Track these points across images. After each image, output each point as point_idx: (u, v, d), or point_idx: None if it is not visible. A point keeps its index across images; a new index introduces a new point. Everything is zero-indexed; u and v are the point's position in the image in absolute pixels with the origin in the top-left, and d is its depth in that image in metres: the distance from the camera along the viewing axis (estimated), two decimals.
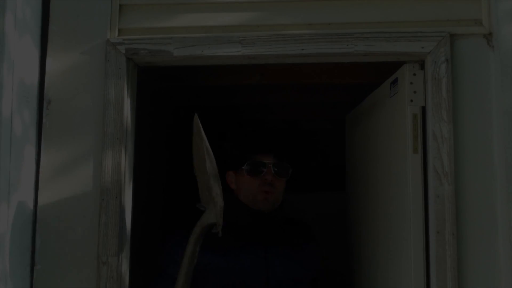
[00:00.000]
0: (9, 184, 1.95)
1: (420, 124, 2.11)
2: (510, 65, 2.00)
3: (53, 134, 2.09)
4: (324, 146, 4.29)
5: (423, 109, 2.11)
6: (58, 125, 2.09)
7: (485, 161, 2.03)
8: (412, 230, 2.08)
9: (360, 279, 2.62)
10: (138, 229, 2.27)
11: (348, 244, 2.85)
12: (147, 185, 2.85)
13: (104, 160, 2.04)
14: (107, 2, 2.13)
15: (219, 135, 2.44)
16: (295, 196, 3.87)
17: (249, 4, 2.14)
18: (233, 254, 2.23)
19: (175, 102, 3.52)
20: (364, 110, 2.69)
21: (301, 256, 2.34)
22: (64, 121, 2.09)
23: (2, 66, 1.93)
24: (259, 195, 2.27)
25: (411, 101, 2.11)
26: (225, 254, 2.22)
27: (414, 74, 2.12)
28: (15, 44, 2.00)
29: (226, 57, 2.11)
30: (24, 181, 2.02)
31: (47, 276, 2.02)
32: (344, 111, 3.02)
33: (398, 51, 2.08)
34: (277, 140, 2.36)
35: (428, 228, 2.04)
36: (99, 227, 2.02)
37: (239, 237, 2.26)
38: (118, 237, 2.02)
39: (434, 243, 2.00)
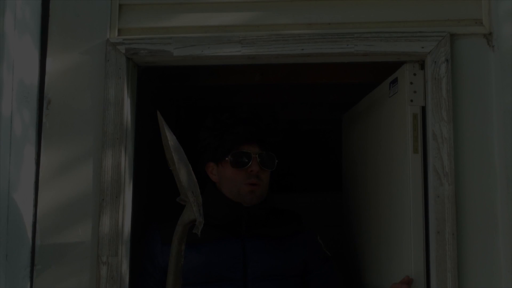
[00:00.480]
0: (9, 184, 1.95)
1: (420, 124, 2.11)
2: (510, 65, 2.00)
3: (53, 134, 2.08)
4: (324, 146, 4.29)
5: (423, 109, 2.11)
6: (58, 125, 2.09)
7: (485, 161, 2.03)
8: (412, 230, 2.08)
9: (360, 279, 2.62)
10: (138, 229, 2.27)
11: (346, 243, 2.84)
12: (147, 185, 2.85)
13: (104, 160, 2.04)
14: (107, 2, 2.13)
15: (198, 125, 2.32)
16: (294, 196, 3.89)
17: (249, 4, 2.14)
18: (208, 249, 2.15)
19: (175, 102, 3.52)
20: (361, 110, 2.69)
21: (287, 249, 2.24)
22: (64, 121, 2.09)
23: (2, 66, 1.93)
24: (245, 188, 2.17)
25: (411, 101, 2.11)
26: (200, 249, 2.14)
27: (414, 74, 2.12)
28: (15, 44, 2.00)
29: (226, 57, 2.11)
30: (24, 181, 2.02)
31: (47, 276, 2.02)
32: (343, 111, 3.02)
33: (398, 51, 2.08)
34: (261, 129, 2.23)
35: (428, 228, 2.04)
36: (99, 227, 2.02)
37: (217, 231, 2.18)
38: (118, 237, 2.01)
39: (434, 243, 2.00)
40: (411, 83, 2.12)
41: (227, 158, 2.20)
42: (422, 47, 2.06)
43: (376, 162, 2.45)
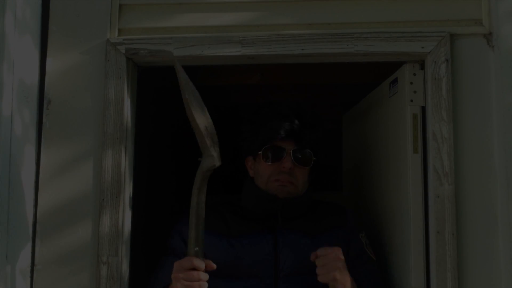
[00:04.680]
0: (9, 184, 1.95)
1: (420, 124, 2.11)
2: (510, 65, 2.00)
3: (53, 134, 2.09)
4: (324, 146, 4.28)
5: (423, 109, 2.11)
6: (58, 125, 2.09)
7: (485, 161, 2.03)
8: (412, 230, 2.08)
9: None
10: (138, 228, 2.27)
11: None
12: (147, 185, 2.85)
13: (104, 160, 2.04)
14: (107, 2, 2.13)
15: (238, 119, 2.32)
16: None
17: (249, 4, 2.14)
18: (240, 243, 2.09)
19: (175, 102, 3.52)
20: (362, 110, 2.69)
21: (323, 244, 2.05)
22: (64, 121, 2.09)
23: (2, 66, 1.93)
24: (273, 184, 2.12)
25: (411, 101, 2.12)
26: (233, 243, 2.09)
27: (414, 74, 2.12)
28: (15, 44, 2.00)
29: (226, 57, 2.11)
30: (24, 181, 2.02)
31: (47, 276, 2.02)
32: (343, 111, 3.02)
33: (398, 51, 2.08)
34: (298, 126, 2.15)
35: (428, 228, 2.04)
36: (99, 227, 2.02)
37: (251, 225, 2.12)
38: (118, 237, 2.02)
39: (434, 243, 2.00)
40: (411, 83, 2.12)
41: (260, 152, 2.15)
42: (422, 47, 2.06)
43: (376, 162, 2.46)
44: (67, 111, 2.09)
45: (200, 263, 1.83)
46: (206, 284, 1.84)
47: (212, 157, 1.83)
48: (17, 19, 2.01)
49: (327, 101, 3.64)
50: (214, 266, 1.87)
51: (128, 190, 2.10)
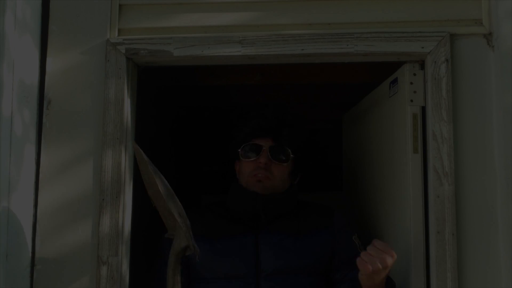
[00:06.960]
0: (9, 184, 1.95)
1: (420, 124, 2.11)
2: (510, 65, 2.00)
3: (53, 134, 2.09)
4: (323, 146, 4.28)
5: (423, 109, 2.11)
6: (58, 125, 2.09)
7: (485, 161, 2.03)
8: (412, 230, 2.08)
9: None
10: (139, 229, 2.27)
11: None
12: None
13: (104, 160, 2.04)
14: (107, 2, 2.13)
15: (228, 124, 2.35)
16: None
17: (249, 4, 2.14)
18: (222, 244, 2.12)
19: (175, 102, 3.52)
20: (362, 109, 2.69)
21: (307, 245, 2.13)
22: (64, 121, 2.09)
23: (2, 66, 1.93)
24: (251, 179, 2.16)
25: (411, 101, 2.12)
26: (214, 244, 2.11)
27: (414, 74, 2.12)
28: (15, 44, 2.00)
29: (226, 57, 2.11)
30: (24, 181, 2.02)
31: (47, 276, 2.02)
32: (343, 111, 3.02)
33: (398, 51, 2.08)
34: (272, 122, 2.22)
35: (428, 228, 2.04)
36: (99, 227, 2.02)
37: (233, 226, 2.15)
38: (118, 237, 2.02)
39: (434, 243, 2.00)
40: (411, 83, 2.12)
41: (239, 150, 2.22)
42: (422, 47, 2.06)
43: (376, 162, 2.46)
44: (67, 111, 2.09)
45: None
46: None
47: (187, 240, 1.76)
48: (17, 19, 2.01)
49: (327, 101, 3.64)
50: None
51: (128, 190, 2.10)
